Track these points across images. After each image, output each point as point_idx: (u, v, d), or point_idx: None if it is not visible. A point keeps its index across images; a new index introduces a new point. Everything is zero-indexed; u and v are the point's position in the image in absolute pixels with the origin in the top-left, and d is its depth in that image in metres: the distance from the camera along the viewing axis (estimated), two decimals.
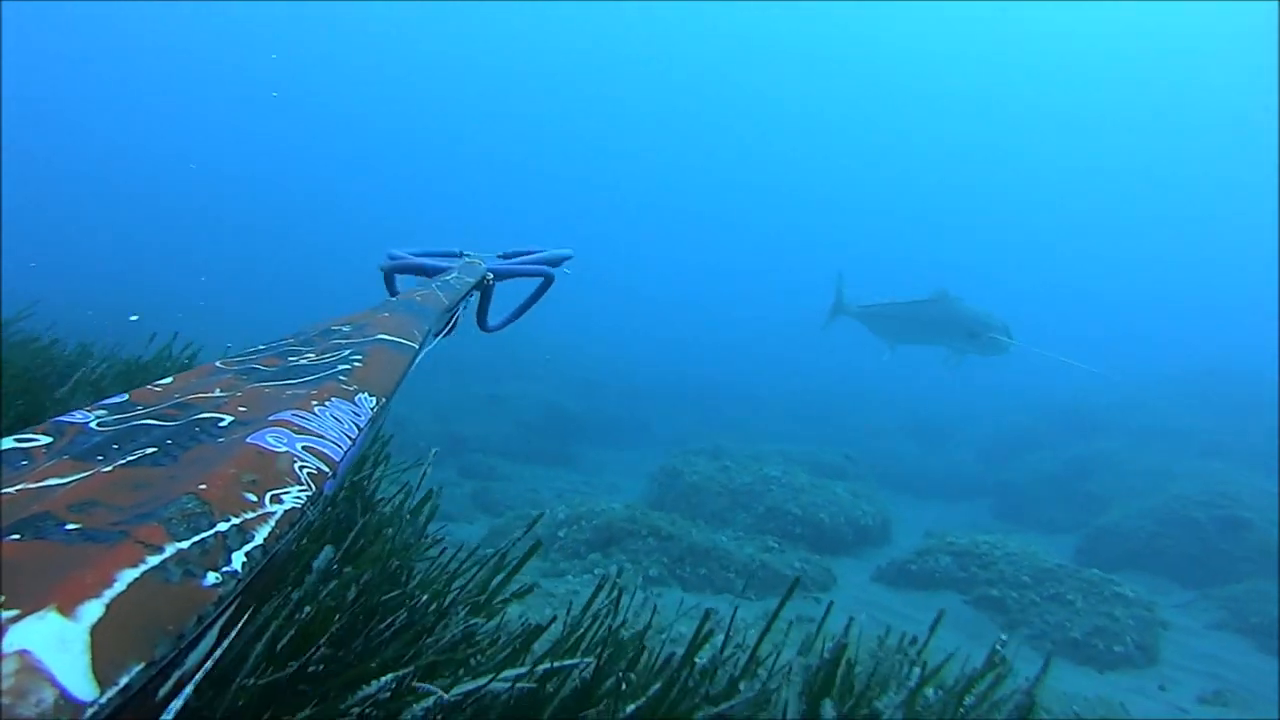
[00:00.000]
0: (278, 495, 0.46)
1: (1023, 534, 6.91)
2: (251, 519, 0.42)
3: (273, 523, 0.43)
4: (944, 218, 36.06)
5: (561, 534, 5.63)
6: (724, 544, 5.18)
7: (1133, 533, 6.48)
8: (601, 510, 5.68)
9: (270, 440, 0.52)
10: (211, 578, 0.36)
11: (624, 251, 28.59)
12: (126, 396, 0.62)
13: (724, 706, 1.21)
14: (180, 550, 0.36)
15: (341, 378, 0.71)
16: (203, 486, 0.43)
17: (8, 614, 0.28)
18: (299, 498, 0.47)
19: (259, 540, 0.41)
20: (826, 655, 1.24)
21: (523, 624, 1.45)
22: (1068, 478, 8.76)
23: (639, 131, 37.82)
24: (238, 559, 0.39)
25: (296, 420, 0.57)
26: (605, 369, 12.14)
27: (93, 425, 0.55)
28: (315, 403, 0.63)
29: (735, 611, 1.76)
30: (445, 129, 37.43)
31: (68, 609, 0.29)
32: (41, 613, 0.28)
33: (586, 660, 1.24)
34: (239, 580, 0.38)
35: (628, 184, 37.58)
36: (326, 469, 0.52)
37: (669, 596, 4.60)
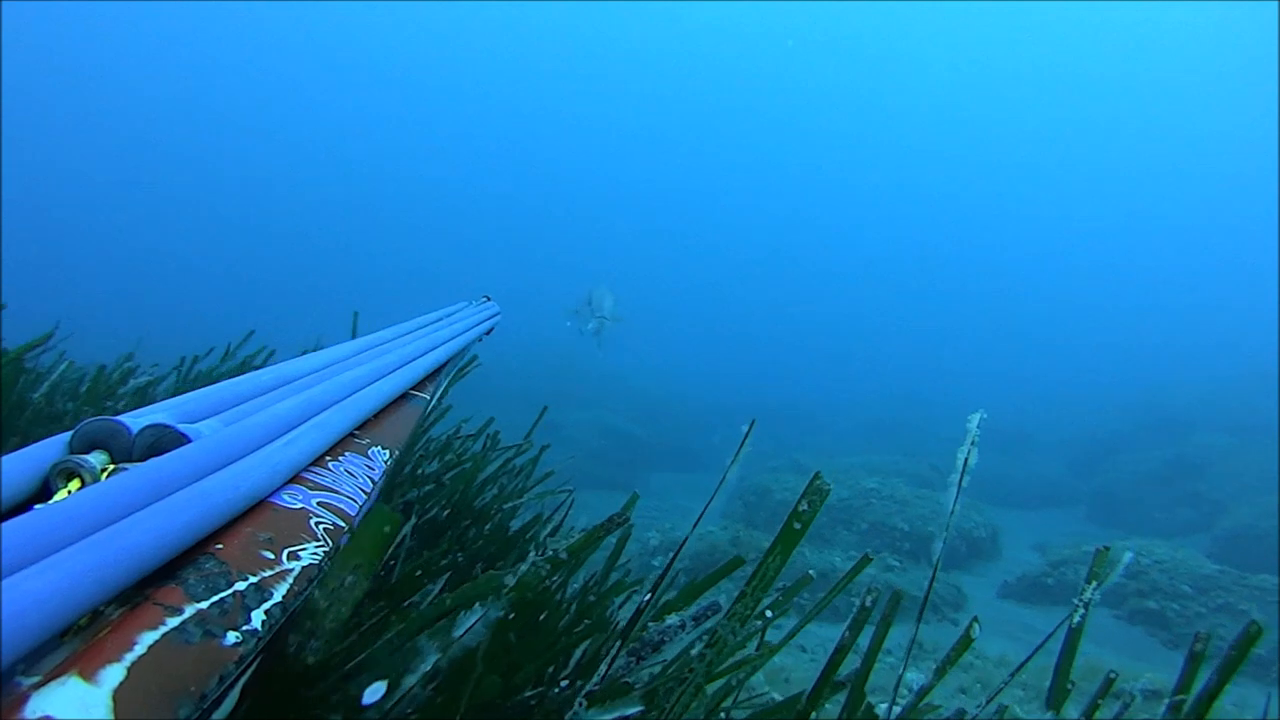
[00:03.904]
0: (295, 552, 0.45)
1: (1135, 541, 6.43)
2: (269, 576, 0.41)
3: (291, 579, 0.42)
4: (957, 217, 35.57)
5: (657, 562, 5.30)
6: (840, 565, 4.81)
7: (1269, 533, 5.97)
8: (698, 535, 5.35)
9: (285, 498, 0.51)
10: (232, 637, 0.35)
11: (664, 279, 27.91)
12: None
13: None
14: (199, 610, 0.36)
15: (354, 431, 0.71)
16: (219, 546, 0.42)
17: (30, 680, 0.28)
18: (316, 553, 0.46)
19: (278, 598, 0.40)
20: None
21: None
22: (1170, 478, 8.21)
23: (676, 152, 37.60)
24: (257, 617, 0.38)
25: (312, 476, 0.57)
26: (661, 394, 11.85)
27: None
28: (330, 458, 0.63)
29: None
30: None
31: (89, 674, 0.28)
32: (63, 678, 0.28)
33: None
34: (259, 638, 0.37)
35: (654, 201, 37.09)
36: (342, 524, 0.52)
37: (790, 628, 4.25)
